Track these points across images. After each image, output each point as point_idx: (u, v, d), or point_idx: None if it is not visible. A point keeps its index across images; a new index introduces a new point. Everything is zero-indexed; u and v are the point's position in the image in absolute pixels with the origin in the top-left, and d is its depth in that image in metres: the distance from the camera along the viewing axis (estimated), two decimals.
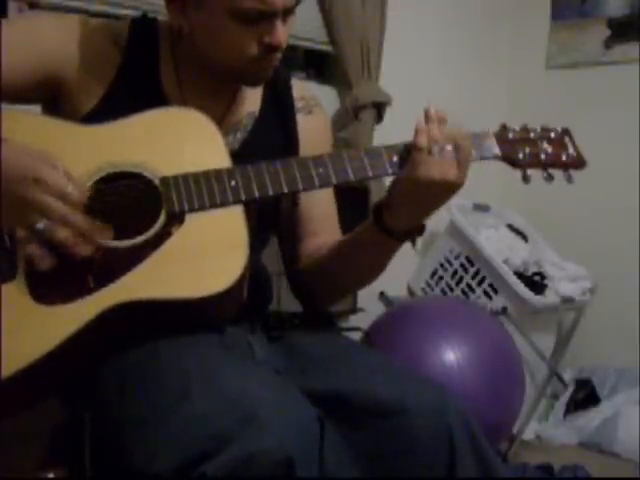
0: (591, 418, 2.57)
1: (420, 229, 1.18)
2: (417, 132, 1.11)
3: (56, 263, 1.01)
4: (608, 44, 2.89)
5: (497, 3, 3.11)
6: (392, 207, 1.15)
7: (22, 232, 1.00)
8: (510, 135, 1.19)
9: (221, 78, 1.21)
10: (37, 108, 1.22)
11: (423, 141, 1.10)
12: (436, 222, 2.76)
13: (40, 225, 0.98)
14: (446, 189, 1.11)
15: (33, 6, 1.95)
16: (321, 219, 1.32)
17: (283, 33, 1.13)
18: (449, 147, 1.10)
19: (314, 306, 1.35)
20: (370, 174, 1.13)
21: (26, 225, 0.99)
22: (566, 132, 1.23)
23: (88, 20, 1.20)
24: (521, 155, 1.18)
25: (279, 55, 1.16)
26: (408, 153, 1.12)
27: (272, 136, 1.27)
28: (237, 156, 1.14)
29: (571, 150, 1.21)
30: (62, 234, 0.99)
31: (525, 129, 1.21)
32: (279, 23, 1.12)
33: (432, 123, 1.11)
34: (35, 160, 0.99)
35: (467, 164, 1.12)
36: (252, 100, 1.27)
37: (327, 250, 1.27)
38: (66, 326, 0.99)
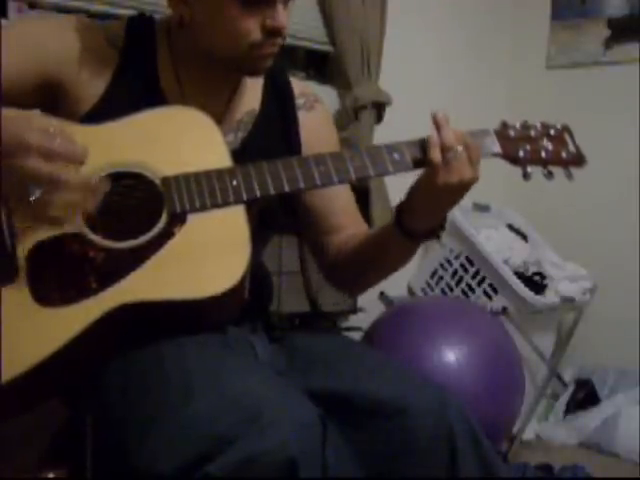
0: (591, 418, 2.57)
1: (441, 227, 1.20)
2: (430, 146, 1.12)
3: (57, 261, 1.00)
4: (608, 44, 2.89)
5: (497, 3, 3.11)
6: (412, 212, 1.17)
7: (20, 206, 0.98)
8: (510, 132, 1.20)
9: (221, 70, 1.20)
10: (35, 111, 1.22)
11: (438, 156, 1.11)
12: None
13: (33, 196, 0.96)
14: (463, 189, 1.14)
15: (33, 6, 1.95)
16: (343, 212, 1.33)
17: (284, 17, 1.13)
18: (460, 148, 1.11)
19: (351, 293, 1.37)
20: (371, 173, 1.13)
21: (21, 197, 0.97)
22: (566, 129, 1.23)
23: (85, 21, 1.20)
24: (521, 152, 1.18)
25: (280, 41, 1.16)
26: (409, 151, 1.13)
27: (273, 134, 1.27)
28: (238, 155, 1.14)
29: (571, 147, 1.21)
30: (61, 196, 0.97)
31: (525, 126, 1.21)
32: (280, 6, 1.12)
33: (444, 129, 1.12)
34: (19, 126, 0.95)
35: (479, 160, 1.14)
36: (252, 98, 1.27)
37: (353, 246, 1.28)
38: (69, 328, 0.99)
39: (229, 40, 1.13)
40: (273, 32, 1.13)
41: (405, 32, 2.70)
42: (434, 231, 1.20)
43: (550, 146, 1.20)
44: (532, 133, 1.20)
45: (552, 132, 1.21)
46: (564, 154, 1.20)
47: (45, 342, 0.98)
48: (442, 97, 2.86)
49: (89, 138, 1.09)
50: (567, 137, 1.22)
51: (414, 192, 1.16)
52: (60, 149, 0.96)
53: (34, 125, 0.96)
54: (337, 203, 1.32)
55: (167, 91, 1.20)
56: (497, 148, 1.18)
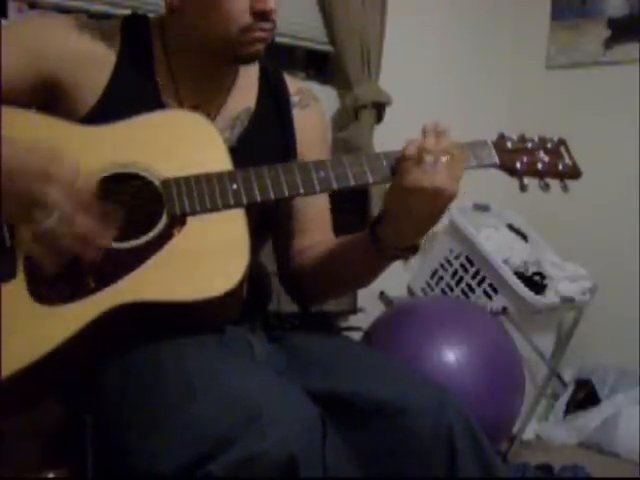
0: (591, 418, 2.57)
1: (412, 249, 1.17)
2: (408, 143, 1.11)
3: (59, 264, 1.00)
4: (608, 44, 2.89)
5: (497, 3, 3.11)
6: (385, 223, 1.15)
7: (26, 232, 0.99)
8: (508, 144, 1.21)
9: (215, 61, 1.20)
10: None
11: (411, 151, 1.09)
12: None
13: (45, 225, 0.96)
14: (437, 198, 1.09)
15: (33, 6, 1.95)
16: (314, 218, 1.32)
17: (273, 0, 1.13)
18: (444, 159, 1.09)
19: (305, 303, 1.35)
20: (370, 180, 1.13)
21: (31, 223, 0.97)
22: (562, 142, 1.25)
23: (82, 20, 1.20)
24: (518, 164, 1.19)
25: (270, 26, 1.16)
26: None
27: (268, 131, 1.27)
28: (234, 152, 1.14)
29: (567, 160, 1.23)
30: (64, 240, 0.97)
31: (522, 139, 1.22)
32: None
33: (427, 136, 1.10)
34: (44, 156, 0.98)
35: (460, 176, 1.11)
36: (248, 96, 1.27)
37: (320, 252, 1.27)
38: (66, 326, 0.99)
39: (218, 24, 1.13)
40: (262, 15, 1.13)
41: (405, 32, 2.70)
42: (404, 252, 1.17)
43: (546, 158, 1.21)
44: (529, 145, 1.22)
45: (549, 145, 1.23)
46: (560, 166, 1.22)
47: (43, 340, 0.98)
48: (442, 97, 2.88)
49: (90, 139, 1.09)
50: (563, 150, 1.24)
51: (388, 193, 1.14)
52: (81, 189, 0.97)
53: (60, 160, 0.98)
54: (311, 208, 1.31)
55: (164, 90, 1.20)
56: (495, 159, 1.19)
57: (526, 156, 1.20)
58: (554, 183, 1.21)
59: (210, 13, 1.13)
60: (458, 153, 1.11)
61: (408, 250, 1.17)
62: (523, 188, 1.20)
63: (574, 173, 1.22)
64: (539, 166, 1.20)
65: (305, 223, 1.32)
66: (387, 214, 1.15)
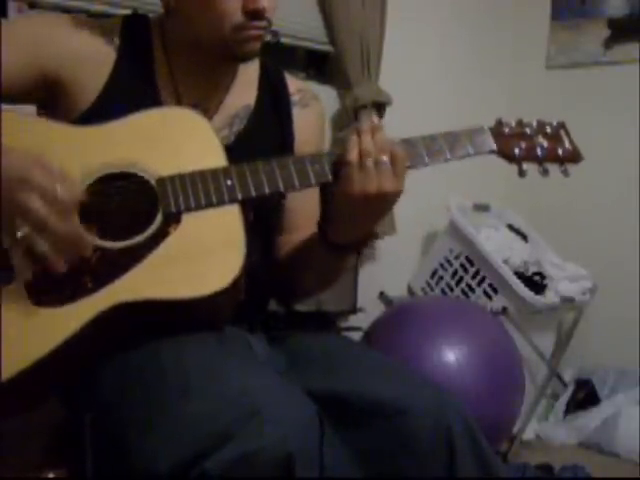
0: (591, 418, 2.57)
1: (365, 242, 1.17)
2: (348, 146, 1.09)
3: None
4: (608, 44, 2.89)
5: (497, 3, 3.11)
6: (334, 221, 1.15)
7: (8, 240, 0.98)
8: (506, 130, 1.19)
9: (213, 59, 1.21)
10: (32, 109, 1.22)
11: (353, 156, 1.07)
12: (436, 222, 2.76)
13: (20, 232, 0.95)
14: (384, 200, 1.09)
15: (33, 6, 1.95)
16: (305, 215, 1.31)
17: (267, 0, 1.13)
18: (385, 158, 1.08)
19: (279, 299, 1.35)
20: None
21: (10, 231, 0.96)
22: (562, 126, 1.23)
23: (82, 19, 1.20)
24: (517, 150, 1.18)
25: (264, 24, 1.16)
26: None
27: (267, 129, 1.28)
28: (232, 149, 1.14)
29: (567, 144, 1.21)
30: (39, 246, 0.96)
31: (521, 124, 1.21)
32: None
33: (364, 134, 1.09)
34: (26, 162, 0.96)
35: (404, 173, 1.09)
36: (247, 93, 1.28)
37: (290, 250, 1.27)
38: (65, 327, 0.99)
39: (212, 23, 1.13)
40: (254, 14, 1.13)
41: (405, 32, 2.70)
42: (357, 245, 1.16)
43: (546, 143, 1.20)
44: (527, 130, 1.20)
45: (548, 129, 1.21)
46: (560, 151, 1.20)
47: (41, 342, 0.98)
48: (442, 97, 2.88)
49: (85, 139, 1.09)
50: (563, 134, 1.22)
51: (333, 201, 1.13)
52: (62, 196, 0.95)
53: (40, 166, 0.96)
54: (304, 204, 1.31)
55: (163, 88, 1.20)
56: (493, 145, 1.18)
57: (524, 141, 1.19)
58: (555, 169, 1.20)
59: (204, 12, 1.13)
60: (398, 150, 1.09)
61: (359, 244, 1.17)
62: (522, 174, 1.18)
63: (575, 157, 1.21)
64: (538, 151, 1.19)
65: (295, 220, 1.31)
66: (334, 214, 1.14)
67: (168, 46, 1.21)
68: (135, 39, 1.21)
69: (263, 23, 1.15)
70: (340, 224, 1.14)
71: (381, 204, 1.10)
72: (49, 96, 1.16)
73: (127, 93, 1.16)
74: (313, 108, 1.34)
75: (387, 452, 1.02)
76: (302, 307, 1.42)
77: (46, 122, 1.12)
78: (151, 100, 1.17)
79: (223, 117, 1.24)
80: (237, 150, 1.16)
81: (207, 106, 1.20)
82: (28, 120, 1.11)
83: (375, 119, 1.12)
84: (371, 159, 1.07)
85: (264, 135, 1.26)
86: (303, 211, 1.31)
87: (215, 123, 1.17)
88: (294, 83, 1.34)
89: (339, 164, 1.10)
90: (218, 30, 1.14)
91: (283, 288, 1.33)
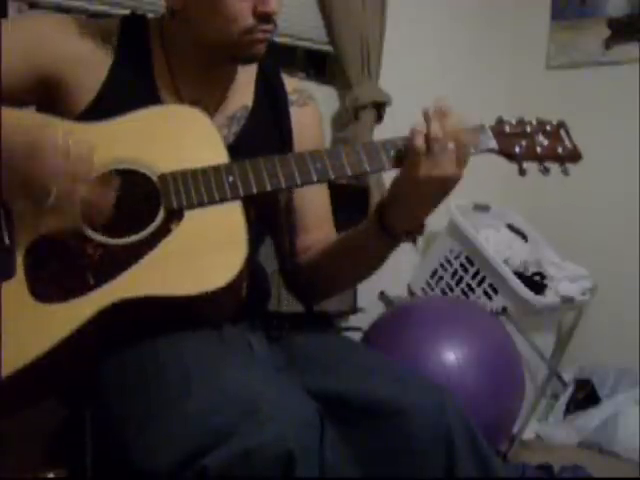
0: (591, 418, 2.57)
1: (421, 228, 1.18)
2: (413, 134, 1.10)
3: (54, 257, 1.01)
4: (608, 44, 2.88)
5: (497, 3, 3.11)
6: (393, 207, 1.15)
7: (30, 210, 1.01)
8: (506, 128, 1.20)
9: (215, 61, 1.21)
10: (31, 109, 1.22)
11: (419, 143, 1.09)
12: (436, 222, 2.76)
13: (51, 196, 0.98)
14: (445, 185, 1.12)
15: (33, 6, 1.95)
16: (316, 216, 1.32)
17: (275, 2, 1.14)
18: (451, 145, 1.09)
19: (309, 301, 1.36)
20: (367, 169, 1.13)
21: (35, 200, 0.99)
22: (562, 125, 1.23)
23: (80, 19, 1.21)
24: (517, 148, 1.18)
25: (271, 27, 1.16)
26: (406, 148, 1.12)
27: (266, 129, 1.28)
28: (232, 149, 1.15)
29: (567, 143, 1.22)
30: (81, 194, 1.00)
31: (521, 122, 1.21)
32: None
33: (432, 122, 1.10)
34: (33, 134, 1.00)
35: (466, 160, 1.12)
36: (245, 94, 1.28)
37: (324, 247, 1.27)
38: (66, 324, 0.99)
39: (221, 26, 1.14)
40: (264, 17, 1.14)
41: (405, 32, 2.70)
42: (412, 232, 1.18)
43: (546, 142, 1.20)
44: (528, 129, 1.20)
45: (548, 128, 1.22)
46: (560, 150, 1.21)
47: (43, 338, 0.98)
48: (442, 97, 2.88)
49: (87, 136, 1.09)
50: (563, 133, 1.22)
51: (396, 185, 1.14)
52: (77, 149, 1.00)
53: (53, 128, 1.00)
54: (312, 206, 1.31)
55: (162, 88, 1.20)
56: (493, 144, 1.18)
57: (525, 140, 1.19)
58: (555, 168, 1.20)
59: (212, 15, 1.13)
60: (464, 136, 1.11)
61: (415, 230, 1.18)
62: (522, 172, 1.19)
63: (574, 156, 1.21)
64: (538, 150, 1.19)
65: (306, 221, 1.32)
66: (395, 200, 1.15)
67: (168, 47, 1.21)
68: (133, 40, 1.21)
69: (270, 26, 1.16)
70: (401, 208, 1.15)
71: (441, 189, 1.12)
72: (47, 97, 1.16)
73: (125, 94, 1.17)
74: (311, 107, 1.35)
75: (386, 451, 1.02)
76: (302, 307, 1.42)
77: (47, 117, 1.12)
78: (149, 101, 1.17)
79: (222, 118, 1.24)
80: (236, 151, 1.16)
81: (206, 106, 1.20)
82: (29, 115, 1.12)
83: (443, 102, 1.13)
84: (438, 145, 1.08)
85: (262, 136, 1.26)
86: (316, 211, 1.32)
87: (214, 123, 1.17)
88: (291, 82, 1.34)
89: (405, 150, 1.11)
90: (227, 33, 1.14)
91: (311, 288, 1.33)
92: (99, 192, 1.04)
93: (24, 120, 1.02)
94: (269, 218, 1.30)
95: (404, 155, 1.12)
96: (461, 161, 1.11)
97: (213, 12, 1.13)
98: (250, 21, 1.14)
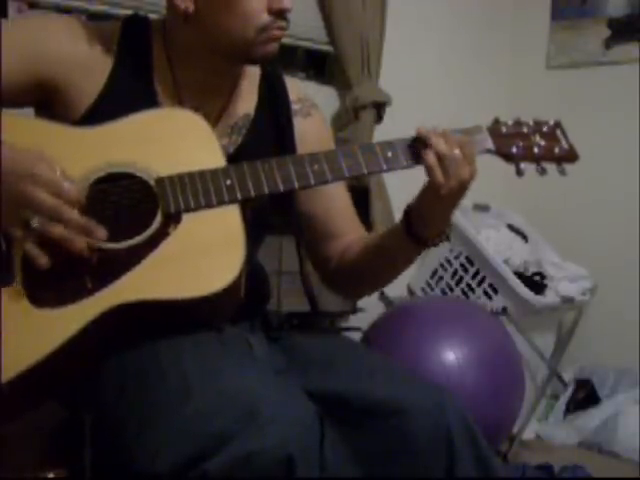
0: (591, 418, 2.57)
1: (443, 233, 1.21)
2: (430, 170, 1.13)
3: (52, 262, 1.01)
4: (608, 44, 2.88)
5: (497, 3, 3.11)
6: (421, 219, 1.18)
7: (18, 231, 1.00)
8: (503, 129, 1.21)
9: (223, 66, 1.20)
10: (30, 111, 1.21)
11: (439, 177, 1.12)
12: None
13: (35, 222, 0.98)
14: (464, 187, 1.15)
15: (33, 6, 1.95)
16: (342, 217, 1.34)
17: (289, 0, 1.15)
18: (457, 151, 1.12)
19: (351, 298, 1.39)
20: (365, 170, 1.14)
21: (21, 223, 0.98)
22: (558, 125, 1.24)
23: (80, 21, 1.20)
24: (514, 149, 1.19)
25: (285, 24, 1.17)
26: (402, 149, 1.14)
27: (267, 139, 1.27)
28: (232, 159, 1.15)
29: (563, 143, 1.22)
30: (56, 230, 0.99)
31: (518, 123, 1.22)
32: None
33: (432, 140, 1.12)
34: (31, 158, 0.99)
35: (475, 156, 1.15)
36: (248, 102, 1.27)
37: (359, 249, 1.29)
38: (65, 329, 0.99)
39: (237, 25, 1.13)
40: (279, 14, 1.15)
41: (405, 32, 2.70)
42: (442, 234, 1.21)
43: (543, 142, 1.21)
44: (525, 130, 1.21)
45: (545, 128, 1.22)
46: (557, 150, 1.21)
47: (41, 343, 0.98)
48: (442, 97, 2.88)
49: (84, 140, 1.09)
50: (559, 133, 1.23)
51: (421, 201, 1.18)
52: (69, 192, 1.00)
53: (45, 161, 1.00)
54: (335, 208, 1.32)
55: (162, 93, 1.20)
56: (490, 145, 1.19)
57: (522, 140, 1.20)
58: (552, 169, 1.21)
59: (228, 15, 1.13)
60: (464, 139, 1.14)
61: (441, 235, 1.21)
62: (519, 173, 1.20)
63: (571, 156, 1.22)
64: (535, 150, 1.20)
65: (334, 226, 1.32)
66: (419, 215, 1.18)
67: (172, 50, 1.20)
68: (134, 43, 1.20)
69: (285, 23, 1.17)
70: (429, 220, 1.18)
71: (461, 191, 1.15)
72: (45, 99, 1.16)
73: (124, 98, 1.16)
74: (315, 117, 1.34)
75: (386, 452, 1.02)
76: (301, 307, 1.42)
77: (45, 122, 1.12)
78: (148, 106, 1.16)
79: (223, 126, 1.23)
80: (236, 160, 1.15)
81: (208, 112, 1.19)
82: (27, 121, 1.11)
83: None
84: (448, 159, 1.12)
85: (264, 145, 1.25)
86: (346, 215, 1.34)
87: (215, 132, 1.16)
88: (294, 90, 1.33)
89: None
90: (243, 32, 1.14)
91: (352, 288, 1.39)
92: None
93: (20, 141, 1.02)
94: (266, 222, 1.30)
95: (402, 153, 1.14)
96: (470, 160, 1.13)
97: (228, 12, 1.13)
98: (265, 18, 1.14)
